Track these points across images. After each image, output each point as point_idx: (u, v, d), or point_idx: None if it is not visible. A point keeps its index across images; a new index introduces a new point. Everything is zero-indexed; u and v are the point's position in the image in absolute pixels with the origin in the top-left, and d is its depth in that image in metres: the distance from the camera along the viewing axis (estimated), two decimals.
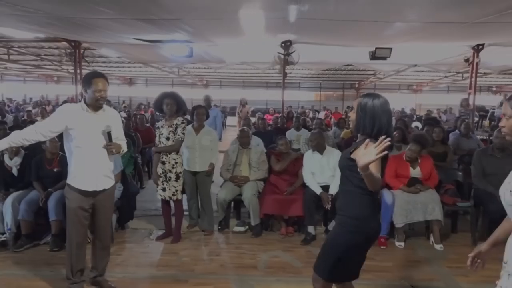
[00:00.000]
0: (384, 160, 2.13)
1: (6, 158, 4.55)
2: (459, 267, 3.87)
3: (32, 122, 6.74)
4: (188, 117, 5.36)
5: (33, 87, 24.87)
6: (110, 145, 3.09)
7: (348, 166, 2.20)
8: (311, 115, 14.54)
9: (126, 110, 14.64)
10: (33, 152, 4.74)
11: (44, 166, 4.42)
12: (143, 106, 17.12)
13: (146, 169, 7.70)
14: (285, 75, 10.64)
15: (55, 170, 4.43)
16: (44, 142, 4.31)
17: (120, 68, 18.21)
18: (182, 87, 22.81)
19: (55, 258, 4.01)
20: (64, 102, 19.06)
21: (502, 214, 1.85)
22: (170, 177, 4.35)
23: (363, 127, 2.22)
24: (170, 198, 4.40)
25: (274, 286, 3.50)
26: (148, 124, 8.11)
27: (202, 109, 5.01)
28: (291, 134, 7.12)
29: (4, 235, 4.25)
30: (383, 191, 4.59)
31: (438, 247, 4.43)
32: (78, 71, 10.78)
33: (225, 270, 3.83)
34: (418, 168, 4.64)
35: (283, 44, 9.47)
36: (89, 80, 3.04)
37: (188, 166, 4.74)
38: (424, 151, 4.71)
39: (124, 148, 3.32)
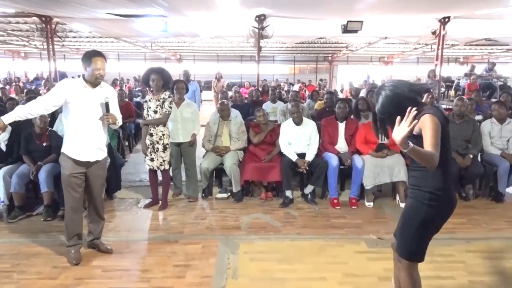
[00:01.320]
0: (444, 132, 2.13)
1: None
2: None
3: (12, 99, 6.78)
4: None
5: None
6: (107, 115, 3.34)
7: (414, 142, 2.08)
8: (286, 88, 14.85)
9: None
10: (17, 127, 4.89)
11: (34, 140, 4.61)
12: (118, 82, 16.97)
13: (127, 143, 7.90)
14: (259, 49, 10.85)
15: (44, 144, 4.63)
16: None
17: (91, 43, 17.91)
18: (156, 61, 22.59)
19: (50, 227, 4.27)
20: (35, 79, 18.75)
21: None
22: (157, 148, 4.63)
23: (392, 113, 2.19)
24: (158, 168, 4.69)
25: (256, 243, 3.89)
26: (126, 100, 8.21)
27: (182, 83, 5.28)
28: (267, 106, 7.43)
29: None
30: (353, 157, 5.02)
31: (403, 205, 4.89)
32: (51, 47, 10.66)
33: (211, 231, 4.19)
34: None
35: (257, 18, 9.63)
36: (89, 58, 3.25)
37: (172, 138, 4.99)
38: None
39: (119, 121, 3.56)
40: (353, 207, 4.90)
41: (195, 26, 11.48)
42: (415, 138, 2.14)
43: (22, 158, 4.66)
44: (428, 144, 2.05)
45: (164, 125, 4.63)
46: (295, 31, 11.90)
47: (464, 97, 5.64)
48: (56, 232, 4.11)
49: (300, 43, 16.58)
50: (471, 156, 4.96)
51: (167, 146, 4.68)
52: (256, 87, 10.79)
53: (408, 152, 2.03)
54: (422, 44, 15.09)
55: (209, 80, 20.13)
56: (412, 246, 2.31)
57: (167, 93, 4.62)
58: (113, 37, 14.60)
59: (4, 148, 4.71)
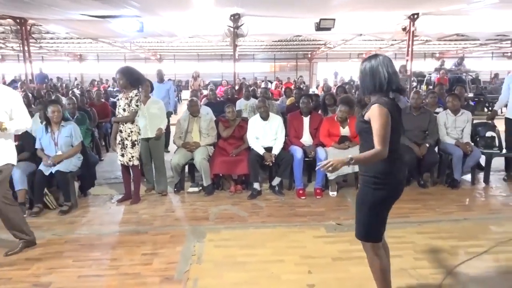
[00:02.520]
0: (393, 121, 2.33)
1: None
2: None
3: None
4: None
5: None
6: None
7: (363, 128, 2.38)
8: (263, 85, 15.15)
9: (79, 87, 14.59)
10: None
11: None
12: (96, 82, 17.01)
13: (103, 143, 8.06)
14: (235, 47, 11.11)
15: (16, 143, 4.75)
16: None
17: (69, 44, 17.84)
18: (136, 62, 22.63)
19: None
20: (13, 81, 18.63)
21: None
22: (126, 144, 4.86)
23: (367, 87, 2.43)
24: (127, 163, 4.90)
25: (223, 232, 4.13)
26: (103, 100, 8.36)
27: (147, 82, 5.56)
28: (240, 103, 7.67)
29: None
30: (317, 149, 5.30)
31: None
32: (26, 49, 10.71)
33: (180, 222, 4.42)
34: (347, 128, 5.36)
35: (232, 17, 9.86)
36: None
37: (141, 134, 5.20)
38: (352, 111, 5.40)
39: (17, 126, 3.52)
40: (318, 197, 5.18)
41: (172, 25, 11.63)
42: (366, 123, 2.38)
43: None
44: (376, 136, 2.29)
45: (132, 122, 4.84)
46: (271, 29, 12.15)
47: (420, 90, 5.96)
48: (30, 227, 4.28)
49: (278, 41, 16.84)
50: (427, 145, 5.29)
51: (136, 142, 4.89)
52: (232, 85, 11.02)
53: (354, 164, 2.34)
54: (398, 40, 15.51)
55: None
56: (366, 228, 2.50)
57: (135, 91, 4.83)
58: (90, 38, 14.66)
59: None
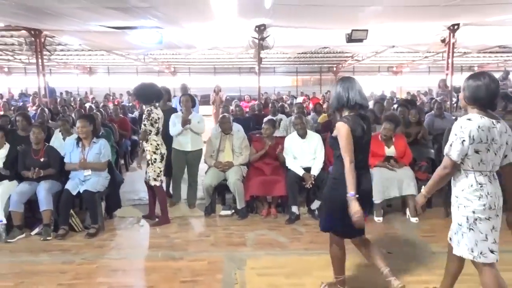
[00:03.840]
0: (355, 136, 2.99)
1: None
2: (432, 236, 4.66)
3: (5, 116, 7.13)
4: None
5: None
6: None
7: (333, 143, 3.13)
8: (289, 101, 15.24)
9: (94, 101, 14.90)
10: (12, 143, 5.25)
11: (31, 156, 4.98)
12: (111, 97, 17.40)
13: (123, 162, 8.19)
14: (260, 60, 11.27)
15: (41, 160, 4.97)
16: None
17: (79, 56, 18.36)
18: (148, 75, 23.09)
19: (50, 246, 4.54)
20: (22, 95, 19.16)
21: None
22: (155, 158, 5.11)
23: (338, 102, 3.07)
24: (153, 179, 5.15)
25: (263, 259, 4.16)
26: (121, 115, 8.56)
27: (186, 97, 5.88)
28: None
29: None
30: None
31: (414, 220, 5.20)
32: (40, 61, 11.05)
33: (216, 248, 4.47)
34: (392, 147, 5.38)
35: (257, 28, 10.04)
36: None
37: (181, 146, 5.64)
38: (398, 130, 5.44)
39: None
40: None
41: (191, 37, 11.90)
42: (334, 138, 3.07)
43: (20, 176, 4.97)
44: (341, 149, 2.97)
45: (147, 141, 5.07)
46: (297, 41, 12.31)
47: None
48: (57, 251, 4.39)
49: (302, 53, 17.05)
50: None
51: (149, 162, 5.11)
52: (257, 100, 11.14)
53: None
54: (433, 52, 15.55)
55: (206, 94, 20.55)
56: (330, 222, 3.21)
57: (149, 108, 5.08)
58: (104, 50, 15.05)
59: (1, 166, 5.00)
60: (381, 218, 5.24)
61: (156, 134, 5.11)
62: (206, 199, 5.51)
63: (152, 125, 5.06)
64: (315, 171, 5.31)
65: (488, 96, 2.64)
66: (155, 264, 4.10)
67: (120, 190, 5.99)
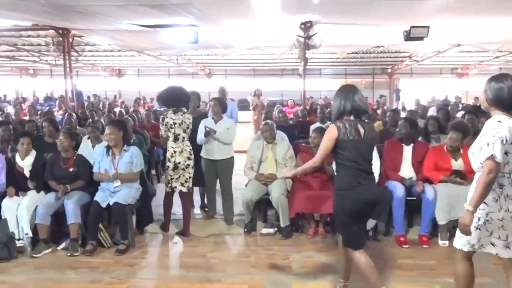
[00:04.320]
0: (345, 142, 3.36)
1: (17, 158, 5.24)
2: None
3: (31, 121, 7.45)
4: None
5: (5, 83, 25.68)
6: None
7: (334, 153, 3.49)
8: None
9: (124, 106, 15.27)
10: (39, 150, 5.45)
11: (60, 165, 5.15)
12: (141, 102, 17.83)
13: (155, 172, 8.35)
14: (305, 61, 11.28)
15: (71, 169, 5.14)
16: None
17: (108, 57, 18.99)
18: (181, 77, 23.59)
19: (77, 262, 4.66)
20: (48, 98, 19.96)
21: None
22: (178, 165, 5.41)
23: (337, 111, 3.48)
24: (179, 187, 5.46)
25: (312, 285, 4.12)
26: (153, 121, 8.75)
27: (215, 101, 6.09)
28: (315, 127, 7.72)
29: (21, 241, 4.91)
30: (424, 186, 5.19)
31: None
32: (67, 63, 11.50)
33: (257, 270, 4.46)
34: (460, 160, 5.21)
35: (302, 26, 10.06)
36: None
37: (208, 155, 5.78)
38: (466, 140, 5.27)
39: None
40: (424, 246, 5.04)
41: (229, 36, 12.07)
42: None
43: (47, 186, 5.15)
44: (318, 149, 3.49)
45: (181, 140, 5.42)
46: (347, 39, 12.27)
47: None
48: (85, 268, 4.50)
49: (352, 53, 16.95)
50: None
51: (177, 165, 5.38)
52: (302, 106, 11.13)
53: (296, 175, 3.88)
54: (505, 52, 15.09)
55: (244, 99, 20.77)
56: (344, 235, 3.56)
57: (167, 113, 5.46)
58: (134, 50, 15.50)
59: (28, 175, 5.20)
60: (446, 242, 5.05)
61: (175, 140, 5.36)
62: (246, 216, 5.52)
63: (168, 130, 5.37)
64: None
65: (510, 98, 2.89)
66: (189, 286, 4.13)
67: (152, 203, 6.09)
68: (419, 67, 21.98)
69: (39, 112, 11.84)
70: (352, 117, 3.42)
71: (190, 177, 5.47)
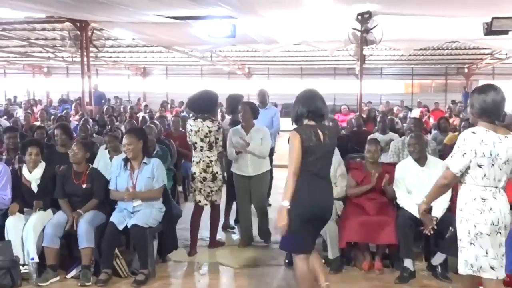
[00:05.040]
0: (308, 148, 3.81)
1: (24, 170, 5.36)
2: None
3: (41, 127, 7.67)
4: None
5: (16, 82, 26.59)
6: None
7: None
8: (401, 114, 14.84)
9: (148, 111, 15.52)
10: (49, 162, 5.57)
11: (72, 180, 5.24)
12: (168, 105, 18.11)
13: (181, 189, 8.41)
14: (363, 58, 11.17)
15: (84, 186, 5.22)
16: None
17: (132, 53, 19.41)
18: (216, 77, 23.85)
19: None
20: (62, 101, 20.55)
21: None
22: (205, 177, 5.70)
23: (295, 114, 4.02)
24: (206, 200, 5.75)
25: None
26: (182, 129, 8.83)
27: (244, 106, 6.19)
28: None
29: (25, 267, 5.01)
30: None
31: None
32: (85, 60, 11.80)
33: None
34: None
35: (359, 17, 9.98)
36: None
37: (241, 170, 5.87)
38: None
39: None
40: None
41: (272, 29, 12.11)
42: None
43: (57, 203, 5.26)
44: (288, 160, 3.85)
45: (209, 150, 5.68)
46: (413, 33, 12.10)
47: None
48: None
49: (420, 49, 16.73)
50: None
51: (216, 176, 5.69)
52: (357, 113, 11.02)
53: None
54: None
55: (288, 103, 20.67)
56: (291, 238, 3.90)
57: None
58: (162, 45, 15.77)
59: (35, 189, 5.32)
60: None
61: (194, 149, 5.75)
62: None
63: (189, 138, 5.78)
64: (437, 212, 5.06)
65: (494, 108, 3.35)
66: None
67: (177, 226, 6.13)
68: (503, 66, 21.44)
69: (52, 117, 12.12)
70: (311, 122, 3.94)
71: (212, 191, 5.74)
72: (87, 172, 5.30)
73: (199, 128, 5.59)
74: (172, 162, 7.33)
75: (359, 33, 10.40)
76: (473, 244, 3.36)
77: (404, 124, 9.87)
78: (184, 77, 25.22)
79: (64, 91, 24.44)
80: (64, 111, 13.94)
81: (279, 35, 13.02)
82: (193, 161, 5.73)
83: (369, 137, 7.57)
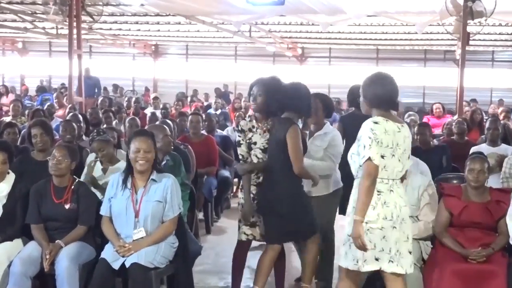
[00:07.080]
0: None
1: None
2: None
3: (11, 125, 7.80)
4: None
5: None
6: None
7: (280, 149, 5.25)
8: None
9: (162, 107, 15.38)
10: (21, 173, 5.63)
11: (51, 198, 5.27)
12: (188, 99, 18.15)
13: (201, 216, 8.41)
14: (466, 38, 11.05)
15: (66, 207, 5.24)
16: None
17: (139, 25, 19.46)
18: (255, 60, 23.84)
19: None
20: (41, 88, 20.84)
21: None
22: None
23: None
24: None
25: None
26: (204, 132, 8.87)
27: (316, 101, 5.98)
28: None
29: None
30: None
31: None
32: (75, 32, 11.91)
33: None
34: None
35: None
36: None
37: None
38: None
39: None
40: None
41: None
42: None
43: (29, 230, 5.31)
44: (293, 158, 5.10)
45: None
46: None
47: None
48: None
49: None
50: None
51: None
52: (456, 115, 10.89)
53: None
54: None
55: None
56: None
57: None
58: (180, 14, 15.79)
59: (1, 210, 5.37)
60: None
61: None
62: None
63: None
64: None
65: (386, 95, 4.30)
66: None
67: (195, 267, 6.15)
68: None
69: (27, 111, 12.06)
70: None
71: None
72: (72, 188, 5.31)
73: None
74: (189, 177, 7.23)
75: (461, 1, 10.33)
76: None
77: None
78: (210, 59, 25.16)
79: (45, 76, 24.69)
80: (46, 104, 13.96)
81: (346, 3, 12.97)
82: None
83: (472, 149, 7.50)
